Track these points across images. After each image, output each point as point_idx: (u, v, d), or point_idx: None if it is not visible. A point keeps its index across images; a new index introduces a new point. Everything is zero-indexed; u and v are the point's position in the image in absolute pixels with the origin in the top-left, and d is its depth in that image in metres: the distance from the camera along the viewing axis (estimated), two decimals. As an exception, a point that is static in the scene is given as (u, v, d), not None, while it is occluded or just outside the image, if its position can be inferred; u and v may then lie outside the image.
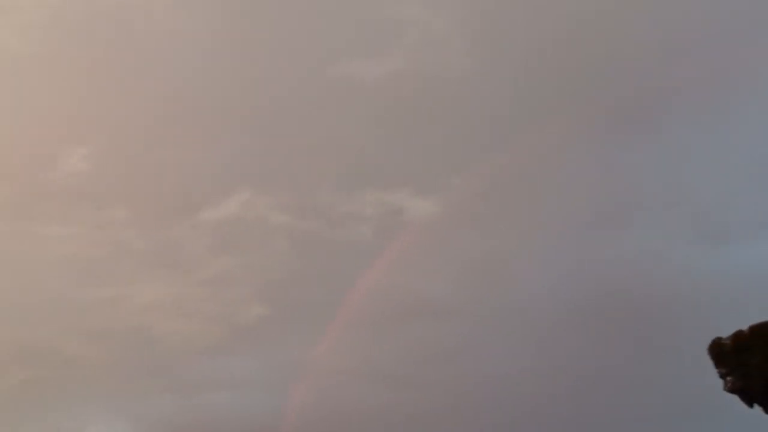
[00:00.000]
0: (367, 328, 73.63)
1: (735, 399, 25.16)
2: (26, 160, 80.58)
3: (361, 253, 76.19)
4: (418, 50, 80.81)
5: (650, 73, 74.65)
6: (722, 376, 25.11)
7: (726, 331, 25.26)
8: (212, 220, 78.37)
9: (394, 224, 77.52)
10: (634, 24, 75.93)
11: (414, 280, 77.81)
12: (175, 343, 75.93)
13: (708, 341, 25.61)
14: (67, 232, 77.94)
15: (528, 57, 78.90)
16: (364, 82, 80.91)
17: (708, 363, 25.54)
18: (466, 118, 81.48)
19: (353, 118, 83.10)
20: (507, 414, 64.56)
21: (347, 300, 69.99)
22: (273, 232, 79.97)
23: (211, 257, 79.13)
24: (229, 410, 70.21)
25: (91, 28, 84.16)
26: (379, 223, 77.68)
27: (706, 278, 68.22)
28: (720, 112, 76.33)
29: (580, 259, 77.41)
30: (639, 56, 77.44)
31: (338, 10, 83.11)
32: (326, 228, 79.09)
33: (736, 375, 24.69)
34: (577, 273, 74.34)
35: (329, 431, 70.61)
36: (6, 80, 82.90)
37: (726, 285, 65.14)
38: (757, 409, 25.13)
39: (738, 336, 24.83)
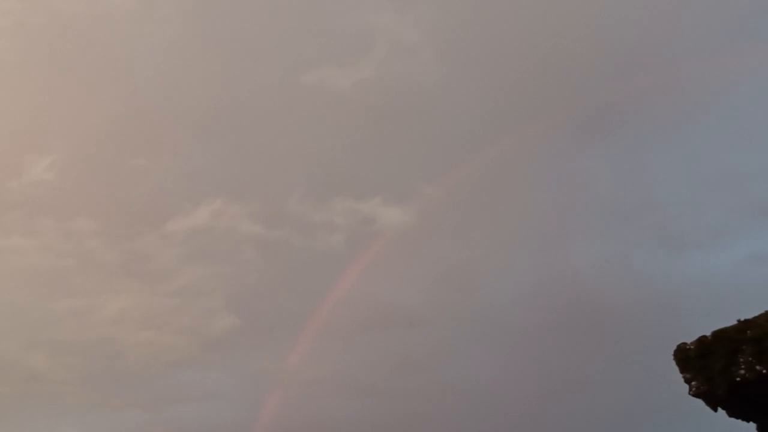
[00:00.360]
0: (338, 338, 73.76)
1: (700, 403, 25.68)
2: (-11, 170, 79.50)
3: (332, 263, 76.25)
4: (389, 59, 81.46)
5: (614, 84, 75.94)
6: (687, 380, 25.55)
7: (690, 337, 25.79)
8: (181, 230, 77.73)
9: (365, 233, 77.64)
10: (599, 36, 77.23)
11: (385, 289, 78.24)
12: (144, 356, 75.29)
13: (673, 346, 26.12)
14: (31, 243, 77.16)
15: (497, 67, 79.96)
16: (335, 91, 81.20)
17: (674, 367, 26.02)
18: (437, 128, 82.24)
19: (324, 127, 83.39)
20: (479, 421, 65.06)
21: (318, 310, 69.92)
22: (243, 241, 79.67)
23: (180, 268, 78.53)
24: (199, 423, 69.76)
25: (55, 37, 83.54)
26: (351, 232, 77.73)
27: (669, 285, 69.65)
28: (682, 123, 78.01)
29: (548, 266, 78.55)
30: (604, 67, 78.91)
31: (309, 19, 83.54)
32: (297, 237, 78.92)
33: (701, 379, 25.11)
34: (546, 281, 75.35)
35: (302, 442, 70.69)
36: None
37: (689, 291, 66.56)
38: (722, 413, 25.68)
39: (701, 341, 25.31)
